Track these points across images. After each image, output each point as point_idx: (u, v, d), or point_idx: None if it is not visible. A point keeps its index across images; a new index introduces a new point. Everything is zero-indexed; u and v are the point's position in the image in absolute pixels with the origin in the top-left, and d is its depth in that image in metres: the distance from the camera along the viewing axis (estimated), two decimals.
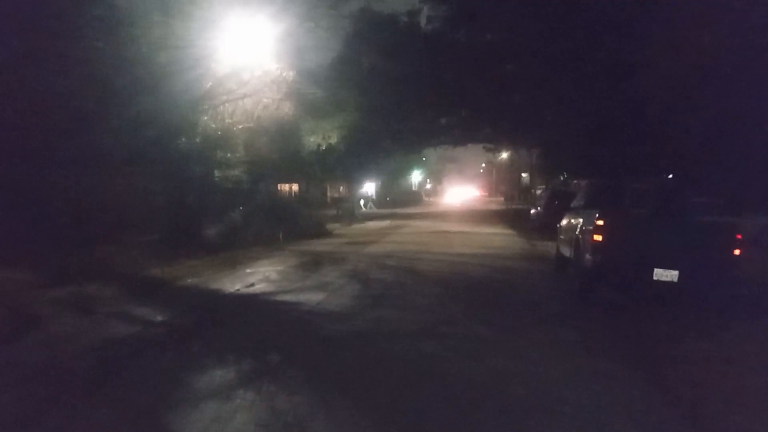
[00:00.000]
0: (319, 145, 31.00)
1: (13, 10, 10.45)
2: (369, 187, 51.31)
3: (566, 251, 11.41)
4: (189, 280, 11.13)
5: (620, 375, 5.68)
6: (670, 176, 14.68)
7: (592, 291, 9.50)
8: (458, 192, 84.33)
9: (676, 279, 8.38)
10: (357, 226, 27.82)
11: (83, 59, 11.90)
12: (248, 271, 12.44)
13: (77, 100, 11.81)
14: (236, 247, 15.90)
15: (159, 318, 8.07)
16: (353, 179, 43.19)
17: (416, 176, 75.08)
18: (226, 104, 16.74)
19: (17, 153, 11.09)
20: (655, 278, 8.46)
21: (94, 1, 12.64)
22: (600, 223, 8.92)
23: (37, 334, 7.17)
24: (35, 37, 11.05)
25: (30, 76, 11.43)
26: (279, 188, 32.50)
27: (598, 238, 8.90)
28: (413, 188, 73.54)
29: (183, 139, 15.85)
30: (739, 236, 8.44)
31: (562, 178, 33.30)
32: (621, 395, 5.11)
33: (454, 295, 9.88)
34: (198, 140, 16.31)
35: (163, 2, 14.05)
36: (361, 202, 44.22)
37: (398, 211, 43.38)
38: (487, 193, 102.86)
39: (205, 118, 16.40)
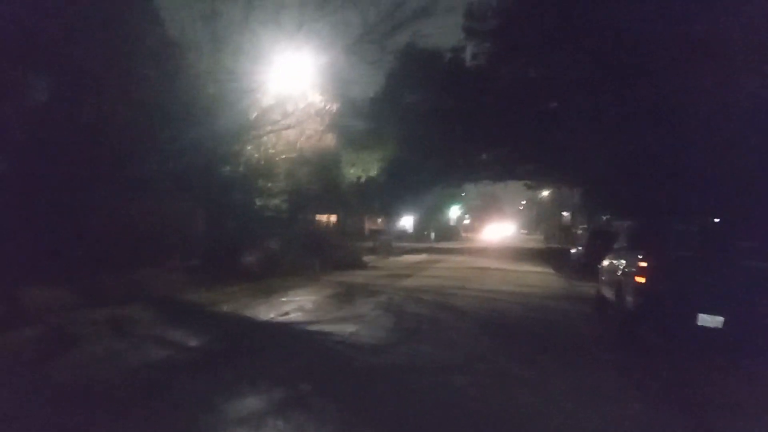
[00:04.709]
0: (358, 177, 31.21)
1: (66, 38, 10.84)
2: (407, 221, 51.40)
3: (608, 293, 11.12)
4: (225, 307, 11.20)
5: (665, 422, 5.45)
6: (716, 219, 14.26)
7: (634, 334, 9.22)
8: (497, 229, 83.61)
9: (721, 325, 8.07)
10: (393, 259, 27.77)
11: (134, 88, 12.26)
12: (283, 299, 12.47)
13: (125, 128, 12.12)
14: (273, 276, 15.98)
15: (193, 343, 8.12)
16: (391, 212, 43.34)
17: (455, 211, 74.70)
18: (270, 134, 17.00)
19: (65, 177, 11.39)
20: (699, 324, 8.16)
21: (146, 32, 13.06)
22: (643, 264, 8.69)
23: (74, 354, 7.27)
24: (87, 64, 11.41)
25: (80, 104, 11.81)
26: (317, 218, 32.71)
27: (640, 280, 8.66)
28: (451, 223, 73.10)
29: (227, 168, 16.15)
30: None
31: (604, 218, 32.70)
32: None
33: (490, 333, 9.67)
34: (241, 169, 16.58)
35: (213, 36, 14.48)
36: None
37: (436, 245, 43.15)
38: (526, 231, 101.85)
39: (249, 147, 16.66)
